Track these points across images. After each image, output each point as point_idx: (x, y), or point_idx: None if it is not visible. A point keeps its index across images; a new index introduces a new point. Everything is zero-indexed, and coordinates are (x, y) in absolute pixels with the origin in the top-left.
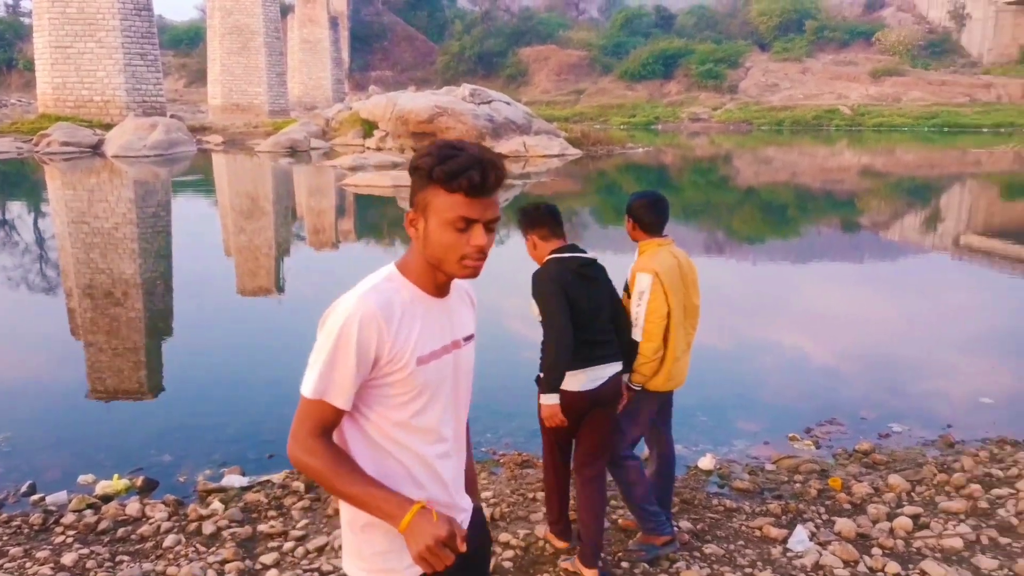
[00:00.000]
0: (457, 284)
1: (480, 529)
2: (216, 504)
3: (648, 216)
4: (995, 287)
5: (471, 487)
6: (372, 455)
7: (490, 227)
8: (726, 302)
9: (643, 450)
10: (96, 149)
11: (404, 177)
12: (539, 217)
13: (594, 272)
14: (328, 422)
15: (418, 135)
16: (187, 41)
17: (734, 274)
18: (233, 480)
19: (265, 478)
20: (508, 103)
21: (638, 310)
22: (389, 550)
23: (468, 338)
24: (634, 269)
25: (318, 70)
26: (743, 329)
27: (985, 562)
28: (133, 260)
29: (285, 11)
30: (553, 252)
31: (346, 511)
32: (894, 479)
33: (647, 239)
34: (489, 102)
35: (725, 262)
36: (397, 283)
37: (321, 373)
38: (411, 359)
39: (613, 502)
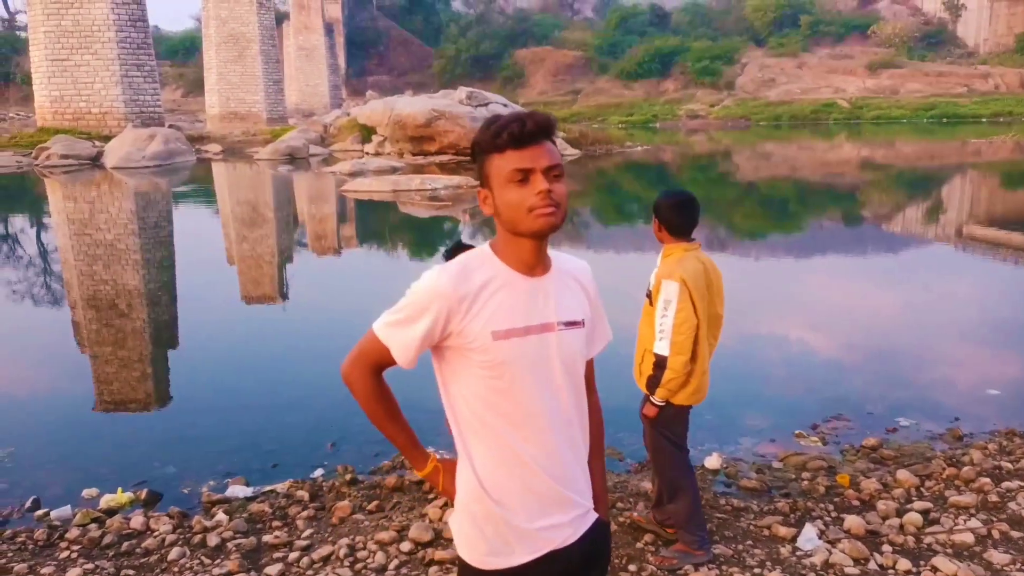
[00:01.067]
0: (562, 268)
1: (603, 542)
2: (220, 515)
3: (677, 217)
4: (999, 277)
5: (599, 495)
6: (466, 431)
7: (552, 175)
8: (730, 298)
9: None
10: (96, 161)
11: (404, 181)
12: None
13: None
14: (382, 362)
15: (416, 139)
16: (183, 51)
17: (737, 270)
18: (237, 491)
19: (269, 488)
20: (505, 105)
21: (664, 320)
22: (509, 541)
23: (571, 324)
24: (658, 275)
25: (315, 77)
26: (747, 325)
27: (997, 556)
28: (136, 271)
29: (280, 19)
30: None
31: (461, 497)
32: (903, 474)
33: (673, 242)
34: (487, 104)
35: (728, 258)
36: (483, 259)
37: (392, 323)
38: (484, 332)
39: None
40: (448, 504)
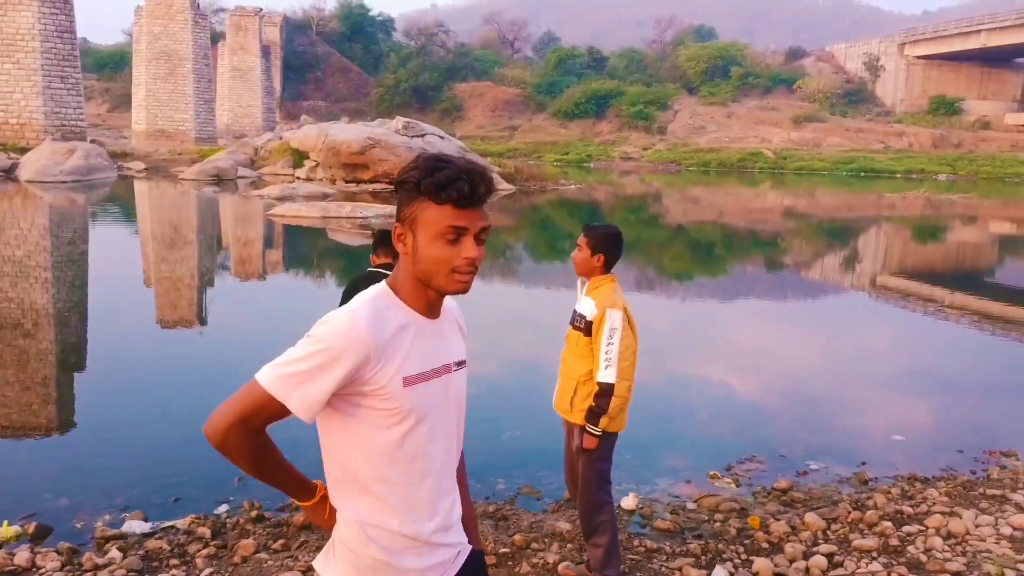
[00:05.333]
0: (447, 309)
1: (480, 571)
2: (114, 552)
3: (614, 250)
4: (908, 326)
5: (470, 526)
6: (355, 483)
7: (480, 239)
8: (654, 338)
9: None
10: (9, 173)
11: (334, 208)
12: (382, 238)
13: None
14: (271, 420)
15: (350, 166)
16: (112, 65)
17: (660, 311)
18: (134, 526)
19: (169, 524)
20: (442, 137)
21: (610, 348)
22: None
23: (460, 363)
24: (600, 305)
25: (248, 98)
26: (668, 366)
27: None
28: (46, 290)
29: (216, 38)
30: (379, 265)
31: (341, 549)
32: (810, 517)
33: (603, 275)
34: (423, 135)
35: (653, 299)
36: (388, 301)
37: (289, 375)
38: (396, 379)
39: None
40: None
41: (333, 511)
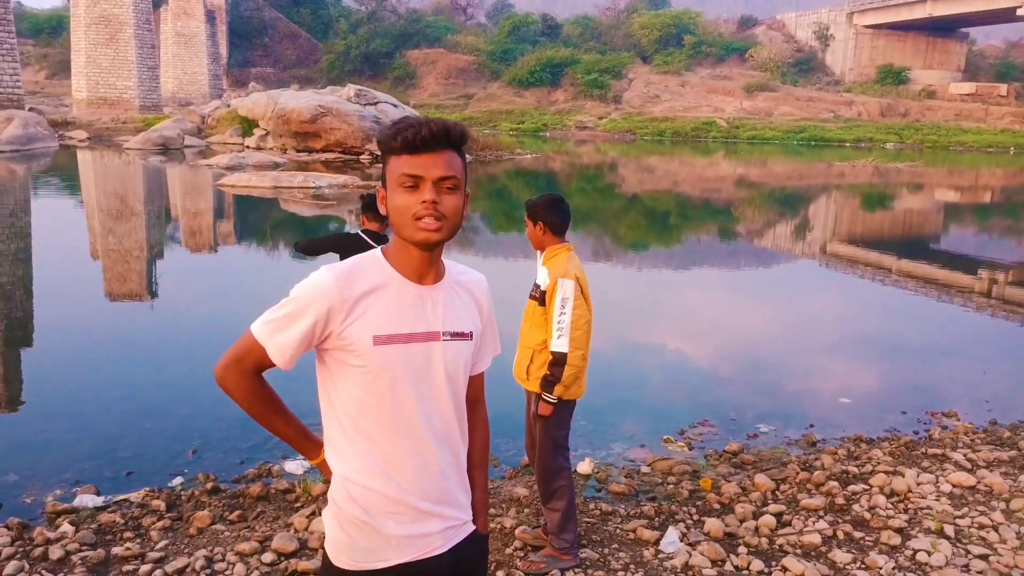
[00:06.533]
0: (457, 279)
1: (477, 555)
2: (66, 526)
3: (557, 216)
4: (856, 292)
5: (479, 508)
6: (342, 439)
7: (444, 187)
8: (609, 306)
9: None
10: None
11: (285, 178)
12: (367, 203)
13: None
14: (260, 365)
15: (301, 135)
16: (49, 30)
17: (615, 279)
18: (86, 500)
19: (122, 497)
20: (395, 105)
21: (563, 318)
22: (374, 547)
23: (457, 335)
24: (553, 275)
25: (194, 65)
26: (621, 333)
27: (840, 556)
28: None
29: (158, 2)
30: (365, 231)
31: (333, 509)
32: (760, 478)
33: (555, 243)
34: (375, 103)
35: (610, 267)
36: (371, 262)
37: (271, 323)
38: (365, 337)
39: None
40: (317, 512)
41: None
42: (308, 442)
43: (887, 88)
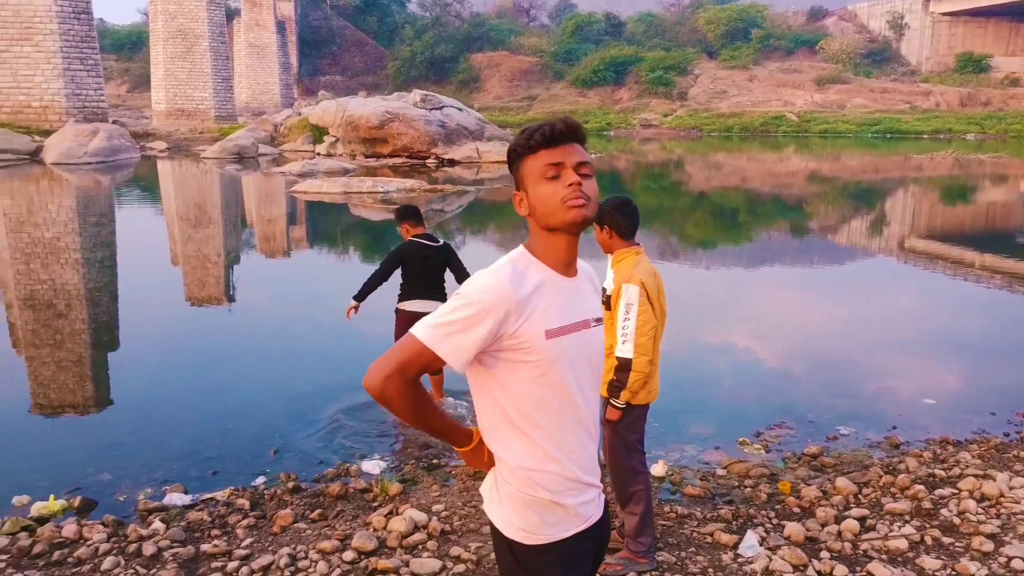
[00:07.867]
0: (582, 269)
1: (607, 519)
2: (157, 524)
3: (624, 219)
4: (937, 289)
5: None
6: (512, 429)
7: (582, 172)
8: (679, 306)
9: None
10: (35, 156)
11: (355, 184)
12: (408, 212)
13: (432, 252)
14: (426, 371)
15: (369, 141)
16: (130, 45)
17: (686, 278)
18: (175, 498)
19: (208, 496)
20: (460, 109)
21: (627, 323)
22: (560, 520)
23: (599, 320)
24: (617, 280)
25: (266, 75)
26: (695, 333)
27: (929, 562)
28: (76, 270)
29: (231, 15)
30: (415, 236)
31: (507, 489)
32: (841, 482)
33: (623, 246)
34: (441, 108)
35: (678, 266)
36: (526, 261)
37: (441, 327)
38: (538, 332)
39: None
40: (394, 512)
41: (491, 454)
42: (460, 432)
43: (967, 77)
